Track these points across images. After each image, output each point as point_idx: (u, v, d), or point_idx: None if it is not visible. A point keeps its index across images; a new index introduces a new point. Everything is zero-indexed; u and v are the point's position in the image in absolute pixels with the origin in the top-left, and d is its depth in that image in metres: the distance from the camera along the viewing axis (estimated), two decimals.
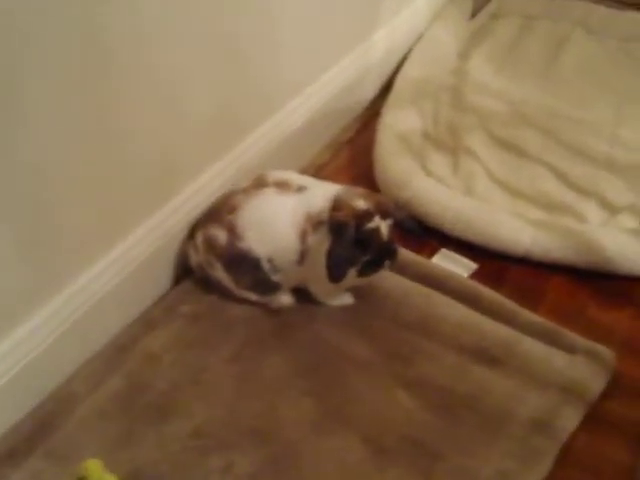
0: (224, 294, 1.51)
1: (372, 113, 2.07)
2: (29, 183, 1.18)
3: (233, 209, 1.46)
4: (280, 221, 1.43)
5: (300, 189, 1.45)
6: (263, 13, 1.59)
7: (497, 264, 1.69)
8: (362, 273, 1.41)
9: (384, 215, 1.38)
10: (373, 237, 1.37)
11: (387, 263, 1.42)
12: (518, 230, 1.68)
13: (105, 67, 1.23)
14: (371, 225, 1.37)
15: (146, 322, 1.46)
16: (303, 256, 1.42)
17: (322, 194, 1.43)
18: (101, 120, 1.27)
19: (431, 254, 1.70)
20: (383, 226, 1.38)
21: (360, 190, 1.42)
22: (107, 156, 1.31)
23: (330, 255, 1.35)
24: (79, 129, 1.23)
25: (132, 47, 1.27)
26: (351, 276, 1.40)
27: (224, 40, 1.49)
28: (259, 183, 1.48)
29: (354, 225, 1.36)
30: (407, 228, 1.47)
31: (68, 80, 1.17)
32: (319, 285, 1.49)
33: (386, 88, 2.15)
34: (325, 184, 1.49)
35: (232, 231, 1.45)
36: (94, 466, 1.10)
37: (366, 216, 1.37)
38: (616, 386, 1.44)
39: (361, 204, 1.38)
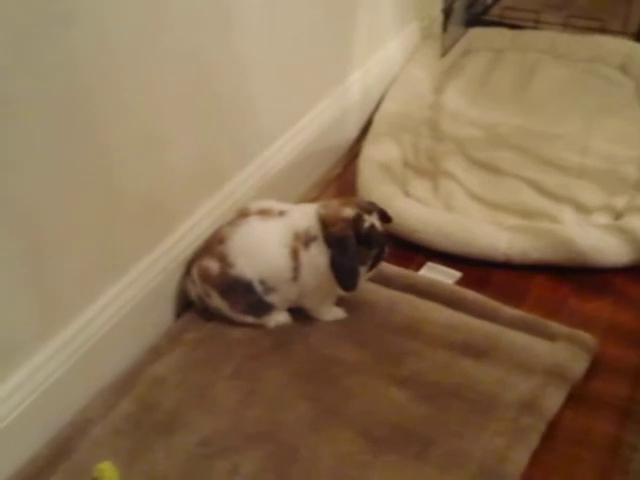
0: (224, 320, 1.61)
1: (356, 152, 2.18)
2: (30, 229, 1.29)
3: (222, 240, 1.58)
4: (269, 243, 1.54)
5: (281, 213, 1.58)
6: (239, 67, 1.72)
7: (480, 271, 1.78)
8: (371, 267, 1.55)
9: (368, 211, 1.52)
10: (373, 233, 1.51)
11: (386, 250, 1.55)
12: (495, 236, 1.78)
13: (92, 122, 1.35)
14: (366, 225, 1.50)
15: (152, 350, 1.56)
16: (297, 272, 1.54)
17: (303, 214, 1.56)
18: (93, 168, 1.38)
19: (417, 269, 1.80)
20: (374, 220, 1.52)
21: (335, 201, 1.57)
22: (102, 201, 1.42)
23: (339, 268, 1.50)
24: (74, 178, 1.35)
25: (117, 103, 1.39)
26: (363, 274, 1.54)
27: (202, 93, 1.62)
28: (243, 213, 1.60)
29: (353, 233, 1.48)
30: (382, 218, 1.58)
31: (60, 135, 1.29)
32: (314, 298, 1.60)
33: (367, 127, 2.27)
34: (301, 206, 1.63)
35: (223, 260, 1.56)
36: (107, 468, 1.19)
37: (359, 219, 1.50)
38: (600, 368, 1.52)
39: (349, 212, 1.51)
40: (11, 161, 1.22)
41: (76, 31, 1.27)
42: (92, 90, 1.34)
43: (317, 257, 1.52)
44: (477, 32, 2.77)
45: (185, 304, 1.67)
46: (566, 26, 2.69)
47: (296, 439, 1.37)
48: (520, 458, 1.32)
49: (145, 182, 1.52)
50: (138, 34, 1.40)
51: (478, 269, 1.78)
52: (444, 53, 2.60)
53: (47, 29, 1.21)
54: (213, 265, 1.57)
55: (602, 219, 1.87)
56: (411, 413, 1.41)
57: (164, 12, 1.46)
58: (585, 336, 1.55)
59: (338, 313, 1.63)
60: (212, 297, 1.59)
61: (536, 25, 2.75)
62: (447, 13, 2.60)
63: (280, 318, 1.61)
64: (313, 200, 1.95)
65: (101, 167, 1.41)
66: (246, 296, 1.56)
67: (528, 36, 2.69)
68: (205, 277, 1.58)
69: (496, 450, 1.34)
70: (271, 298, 1.57)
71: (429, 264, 1.80)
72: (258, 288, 1.55)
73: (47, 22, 1.21)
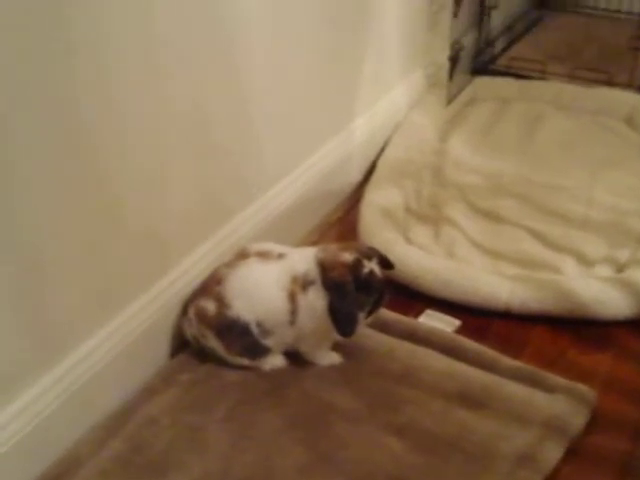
0: (219, 362, 1.59)
1: (359, 196, 2.17)
2: (29, 262, 1.28)
3: (220, 281, 1.57)
4: (267, 286, 1.53)
5: (280, 256, 1.57)
6: (242, 110, 1.73)
7: (480, 320, 1.76)
8: (370, 313, 1.54)
9: (368, 257, 1.51)
10: (372, 279, 1.50)
11: (386, 296, 1.54)
12: (496, 285, 1.76)
13: (93, 158, 1.36)
14: (366, 270, 1.49)
15: (146, 390, 1.54)
16: (294, 315, 1.52)
17: (302, 257, 1.55)
18: (94, 204, 1.38)
19: (416, 316, 1.78)
20: (373, 266, 1.51)
21: (335, 245, 1.56)
22: (101, 236, 1.42)
23: (337, 313, 1.49)
24: (75, 213, 1.35)
25: (118, 141, 1.40)
26: (361, 320, 1.52)
27: (204, 134, 1.62)
28: (241, 255, 1.60)
29: (352, 279, 1.47)
30: (383, 264, 1.57)
31: (60, 169, 1.29)
32: (310, 342, 1.58)
33: (370, 172, 2.28)
34: (300, 249, 1.62)
35: (220, 301, 1.55)
36: None
37: (358, 265, 1.49)
38: (598, 422, 1.50)
39: (348, 256, 1.50)
40: (12, 193, 1.22)
41: (78, 68, 1.28)
42: (93, 126, 1.34)
43: (315, 301, 1.50)
44: (483, 81, 2.79)
45: (180, 344, 1.65)
46: (572, 77, 2.71)
47: None
48: None
49: (145, 220, 1.52)
50: (139, 78, 1.41)
51: (477, 318, 1.77)
52: (449, 101, 2.61)
53: (48, 65, 1.22)
54: (210, 306, 1.56)
55: (604, 271, 1.86)
56: (406, 463, 1.39)
57: (165, 58, 1.46)
58: (584, 389, 1.53)
59: (335, 358, 1.61)
60: (208, 338, 1.57)
61: (542, 76, 2.76)
62: (454, 61, 2.62)
63: (276, 361, 1.59)
64: (313, 243, 1.95)
65: (101, 203, 1.41)
66: (242, 338, 1.55)
67: (534, 86, 2.71)
68: (201, 317, 1.57)
69: None
70: (267, 341, 1.56)
71: (428, 311, 1.79)
72: (255, 330, 1.54)
73: (48, 58, 1.22)
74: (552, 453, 1.41)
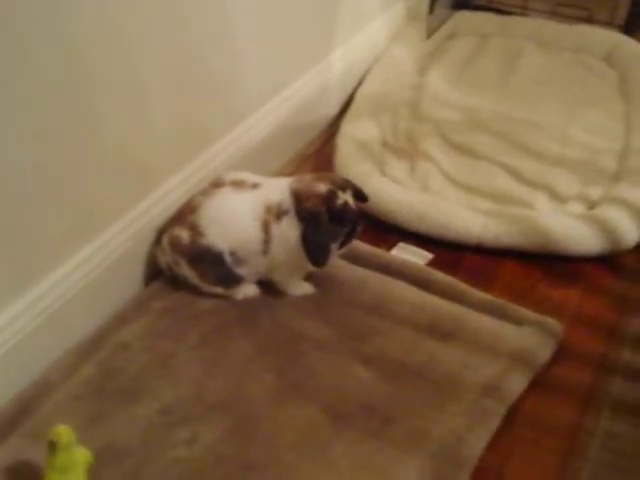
0: (192, 290, 1.60)
1: (335, 129, 2.16)
2: (6, 182, 1.28)
3: (194, 209, 1.57)
4: (241, 215, 1.53)
5: (255, 185, 1.57)
6: (224, 31, 1.71)
7: (452, 254, 1.78)
8: (343, 244, 1.55)
9: (342, 188, 1.52)
10: (346, 211, 1.51)
11: (359, 228, 1.55)
12: (469, 219, 1.77)
13: (76, 73, 1.35)
14: (340, 201, 1.50)
15: (118, 317, 1.55)
16: (267, 245, 1.53)
17: (276, 187, 1.55)
18: (72, 122, 1.37)
19: (389, 248, 1.79)
20: (347, 197, 1.51)
21: (310, 176, 1.56)
22: (79, 156, 1.41)
23: (310, 243, 1.49)
24: (54, 129, 1.34)
25: (104, 58, 1.39)
26: (334, 251, 1.53)
27: (185, 55, 1.61)
28: (216, 184, 1.59)
29: (325, 209, 1.48)
30: (358, 196, 1.57)
31: (43, 80, 1.28)
32: (283, 272, 1.59)
33: (348, 105, 2.26)
34: (275, 179, 1.62)
35: (194, 229, 1.55)
36: (64, 431, 1.18)
37: (332, 196, 1.50)
38: (565, 355, 1.53)
39: (322, 187, 1.50)
40: None
41: None
42: (82, 43, 1.34)
43: (288, 231, 1.51)
44: (464, 15, 2.76)
45: (154, 272, 1.66)
46: (553, 14, 2.69)
47: (258, 411, 1.37)
48: (479, 440, 1.33)
49: (122, 144, 1.51)
50: None
51: (450, 252, 1.78)
52: (429, 35, 2.59)
53: None
54: (184, 234, 1.56)
55: (576, 208, 1.87)
56: (374, 391, 1.41)
57: None
58: (552, 322, 1.56)
59: (307, 288, 1.62)
60: (181, 266, 1.58)
61: (524, 12, 2.75)
62: None
63: (249, 291, 1.60)
64: (289, 175, 1.93)
65: (80, 121, 1.39)
66: (215, 267, 1.55)
67: (515, 22, 2.69)
68: (175, 246, 1.57)
69: (455, 431, 1.34)
70: (240, 270, 1.56)
71: (401, 244, 1.80)
72: (228, 259, 1.54)
73: None
74: (517, 384, 1.44)
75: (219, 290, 1.59)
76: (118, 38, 1.41)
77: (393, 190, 1.85)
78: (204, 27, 1.64)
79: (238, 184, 1.57)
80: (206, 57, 1.68)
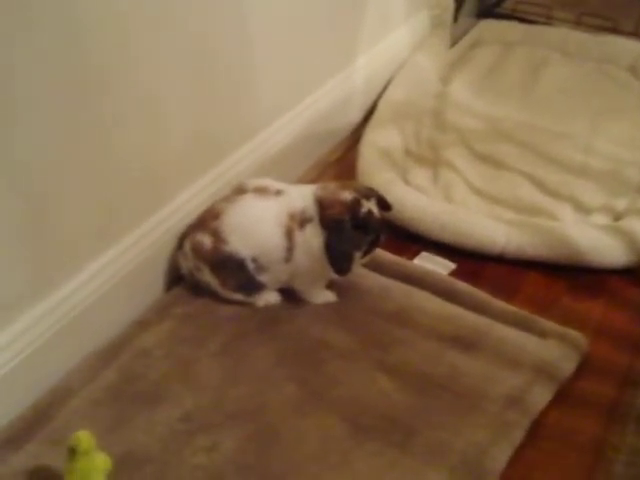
0: (213, 297, 1.60)
1: (358, 137, 2.15)
2: (31, 190, 1.29)
3: (217, 215, 1.56)
4: (264, 222, 1.53)
5: (278, 192, 1.56)
6: (244, 40, 1.70)
7: (475, 264, 1.77)
8: (366, 253, 1.54)
9: (367, 197, 1.51)
10: (369, 219, 1.50)
11: (383, 237, 1.54)
12: (493, 229, 1.76)
13: (97, 85, 1.35)
14: (364, 210, 1.49)
15: (139, 323, 1.54)
16: (290, 252, 1.52)
17: (300, 194, 1.55)
18: (93, 133, 1.37)
19: (412, 258, 1.78)
20: (371, 206, 1.51)
21: (334, 184, 1.55)
22: (101, 166, 1.41)
23: (333, 251, 1.49)
24: (76, 140, 1.34)
25: (121, 69, 1.39)
26: (357, 259, 1.52)
27: (205, 68, 1.61)
28: (239, 190, 1.59)
29: (350, 217, 1.47)
30: (381, 205, 1.57)
31: (63, 96, 1.29)
32: (305, 280, 1.58)
33: (371, 113, 2.25)
34: (299, 186, 1.61)
35: (217, 236, 1.54)
36: (84, 437, 1.17)
37: (356, 204, 1.49)
38: (588, 368, 1.51)
39: (346, 195, 1.49)
40: (14, 121, 1.21)
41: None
42: (98, 55, 1.34)
43: (311, 239, 1.50)
44: (488, 24, 2.75)
45: (176, 278, 1.65)
46: (578, 24, 2.68)
47: (279, 420, 1.36)
48: (502, 453, 1.31)
49: (144, 151, 1.51)
50: (146, 10, 1.40)
51: (473, 262, 1.77)
52: (453, 44, 2.58)
53: None
54: (206, 240, 1.55)
55: (601, 220, 1.85)
56: (396, 402, 1.40)
57: None
58: (576, 335, 1.54)
59: (329, 296, 1.61)
60: (203, 272, 1.57)
61: (548, 21, 2.73)
62: (459, 3, 2.58)
63: (270, 298, 1.59)
64: (311, 182, 1.93)
65: (103, 132, 1.40)
66: (237, 273, 1.55)
67: (539, 31, 2.68)
68: (197, 251, 1.56)
69: (478, 444, 1.33)
70: (262, 277, 1.56)
71: (424, 254, 1.79)
72: (250, 266, 1.54)
73: None
74: (540, 397, 1.42)
75: (240, 297, 1.58)
76: (134, 51, 1.41)
77: (416, 198, 1.84)
78: (223, 41, 1.64)
79: (261, 191, 1.57)
80: (224, 67, 1.67)
